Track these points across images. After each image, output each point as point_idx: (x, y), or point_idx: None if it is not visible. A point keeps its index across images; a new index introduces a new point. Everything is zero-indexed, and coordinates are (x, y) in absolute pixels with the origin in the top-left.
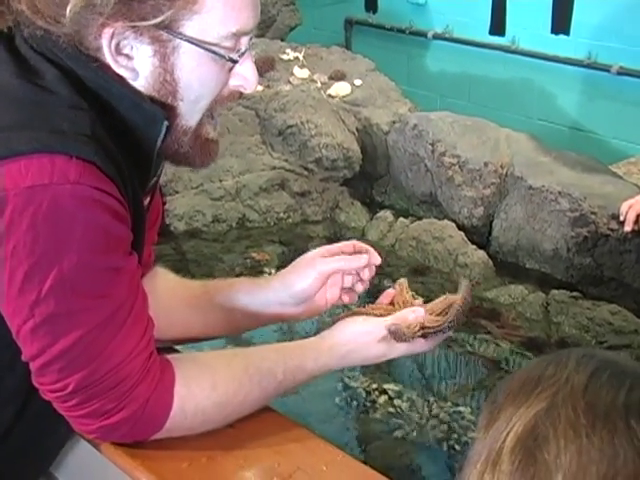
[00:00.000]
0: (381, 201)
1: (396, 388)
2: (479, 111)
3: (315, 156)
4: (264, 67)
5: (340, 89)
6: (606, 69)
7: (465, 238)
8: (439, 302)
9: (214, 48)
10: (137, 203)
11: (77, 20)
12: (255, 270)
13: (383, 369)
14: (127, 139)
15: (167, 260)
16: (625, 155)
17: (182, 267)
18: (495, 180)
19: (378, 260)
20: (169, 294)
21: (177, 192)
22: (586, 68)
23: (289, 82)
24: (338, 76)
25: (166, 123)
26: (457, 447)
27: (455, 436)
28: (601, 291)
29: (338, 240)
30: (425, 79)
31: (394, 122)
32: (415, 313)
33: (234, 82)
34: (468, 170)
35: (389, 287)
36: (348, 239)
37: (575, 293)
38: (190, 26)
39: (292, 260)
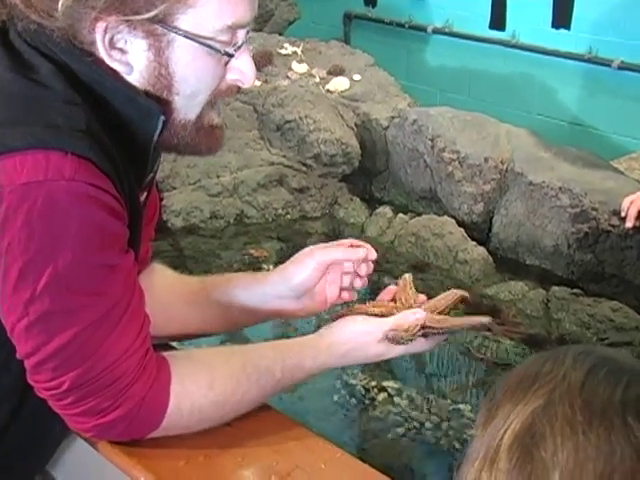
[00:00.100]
0: (380, 197)
1: (395, 386)
2: (479, 106)
3: (314, 152)
4: (262, 62)
5: (339, 84)
6: (607, 64)
7: (465, 234)
8: (442, 298)
9: (209, 42)
10: (133, 199)
11: (70, 14)
12: (253, 267)
13: (382, 367)
14: (122, 134)
15: (165, 256)
16: (626, 150)
17: (180, 264)
18: (495, 176)
19: (374, 255)
20: (167, 290)
21: (175, 188)
22: (587, 63)
23: (287, 77)
24: (337, 71)
25: (163, 118)
26: (456, 445)
27: (454, 434)
28: (602, 288)
29: (337, 236)
30: (425, 74)
31: (393, 117)
32: (416, 315)
33: (231, 76)
34: (468, 166)
35: (389, 284)
36: (347, 235)
37: (576, 290)
38: (185, 20)
39: (290, 256)
